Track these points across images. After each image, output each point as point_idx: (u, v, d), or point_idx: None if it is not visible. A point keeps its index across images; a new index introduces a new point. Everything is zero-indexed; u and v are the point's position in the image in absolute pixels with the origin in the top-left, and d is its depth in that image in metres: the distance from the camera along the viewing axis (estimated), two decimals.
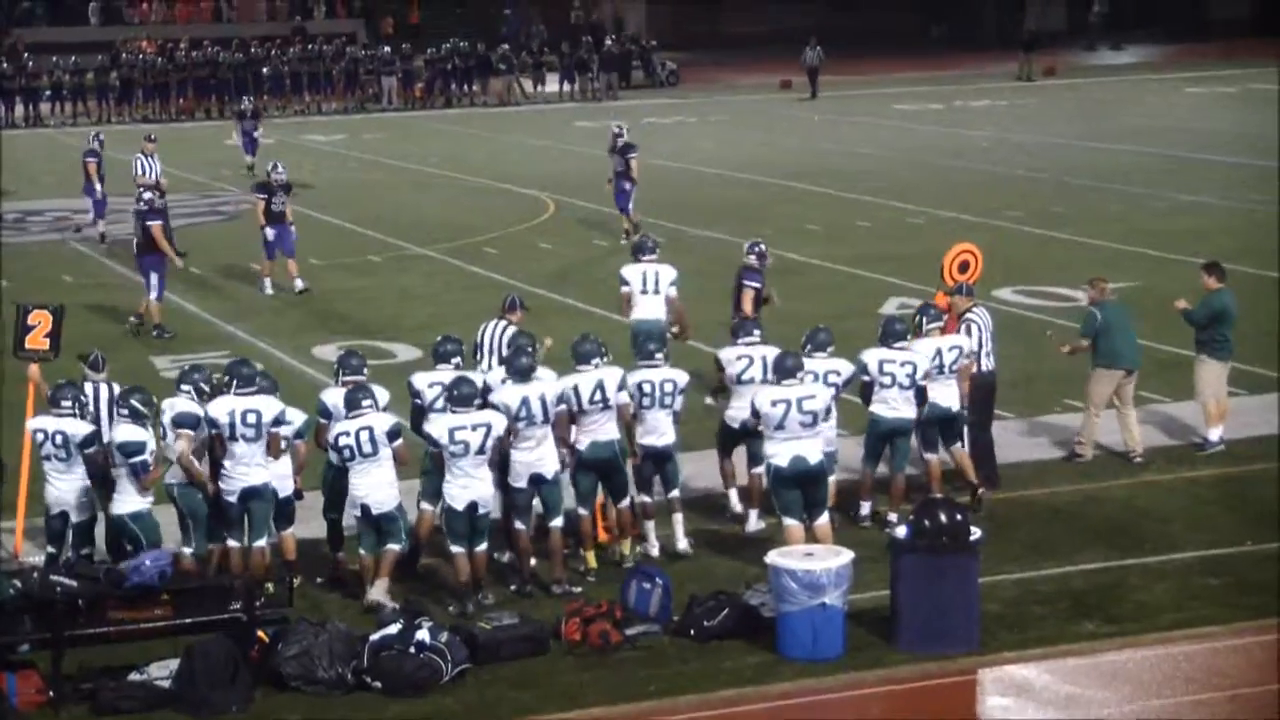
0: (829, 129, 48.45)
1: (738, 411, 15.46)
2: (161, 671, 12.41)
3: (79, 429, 14.12)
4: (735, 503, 15.88)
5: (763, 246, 19.39)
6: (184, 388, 14.25)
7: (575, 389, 14.68)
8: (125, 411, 13.82)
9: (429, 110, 57.18)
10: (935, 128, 47.66)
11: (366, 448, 13.93)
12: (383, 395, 14.34)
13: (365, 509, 14.04)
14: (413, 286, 27.32)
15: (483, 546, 14.09)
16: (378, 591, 13.98)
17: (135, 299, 26.35)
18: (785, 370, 14.42)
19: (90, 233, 31.53)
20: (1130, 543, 15.09)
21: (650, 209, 32.97)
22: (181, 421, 13.99)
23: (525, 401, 14.29)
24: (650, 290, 19.28)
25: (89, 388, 14.79)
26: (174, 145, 33.88)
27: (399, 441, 14.03)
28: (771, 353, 15.40)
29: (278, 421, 14.07)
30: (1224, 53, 66.35)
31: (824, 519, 14.42)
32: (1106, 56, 70.73)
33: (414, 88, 58.58)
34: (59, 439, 14.04)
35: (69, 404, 14.18)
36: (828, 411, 14.41)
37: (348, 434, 13.99)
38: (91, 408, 14.63)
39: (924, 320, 16.00)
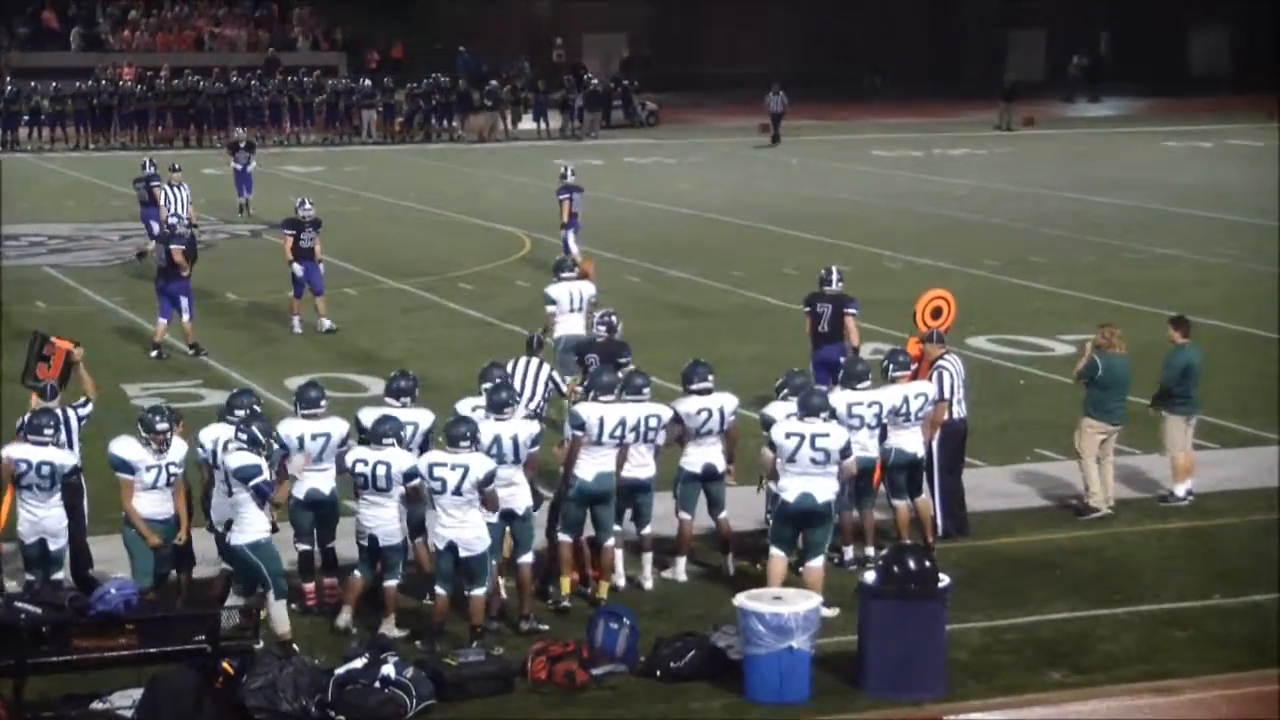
0: (807, 173, 48.57)
1: (698, 458, 15.43)
2: (124, 701, 12.33)
3: (66, 459, 14.05)
4: (681, 570, 15.52)
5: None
6: (140, 430, 14.04)
7: (601, 421, 14.74)
8: (244, 437, 13.62)
9: (408, 145, 57.24)
10: (914, 174, 47.82)
11: (381, 483, 13.90)
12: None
13: (374, 539, 14.03)
14: (388, 320, 27.30)
15: (479, 591, 13.86)
16: (388, 627, 13.98)
17: (106, 323, 26.37)
18: (810, 408, 14.40)
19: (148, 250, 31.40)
20: (1098, 593, 15.10)
21: (626, 248, 33.13)
22: (117, 465, 13.90)
23: (497, 439, 14.28)
24: (575, 308, 20.60)
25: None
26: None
27: (415, 481, 13.97)
28: (729, 401, 15.47)
29: None
30: (1202, 107, 66.71)
31: (817, 563, 14.36)
32: (1085, 108, 71.10)
33: (394, 121, 58.66)
34: (45, 469, 13.89)
35: (50, 432, 14.05)
36: (843, 451, 14.40)
37: (365, 463, 13.96)
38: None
39: (891, 367, 16.01)
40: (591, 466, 14.77)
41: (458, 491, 13.72)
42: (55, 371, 15.60)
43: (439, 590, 13.92)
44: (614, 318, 18.20)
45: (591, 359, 17.28)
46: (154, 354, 24.17)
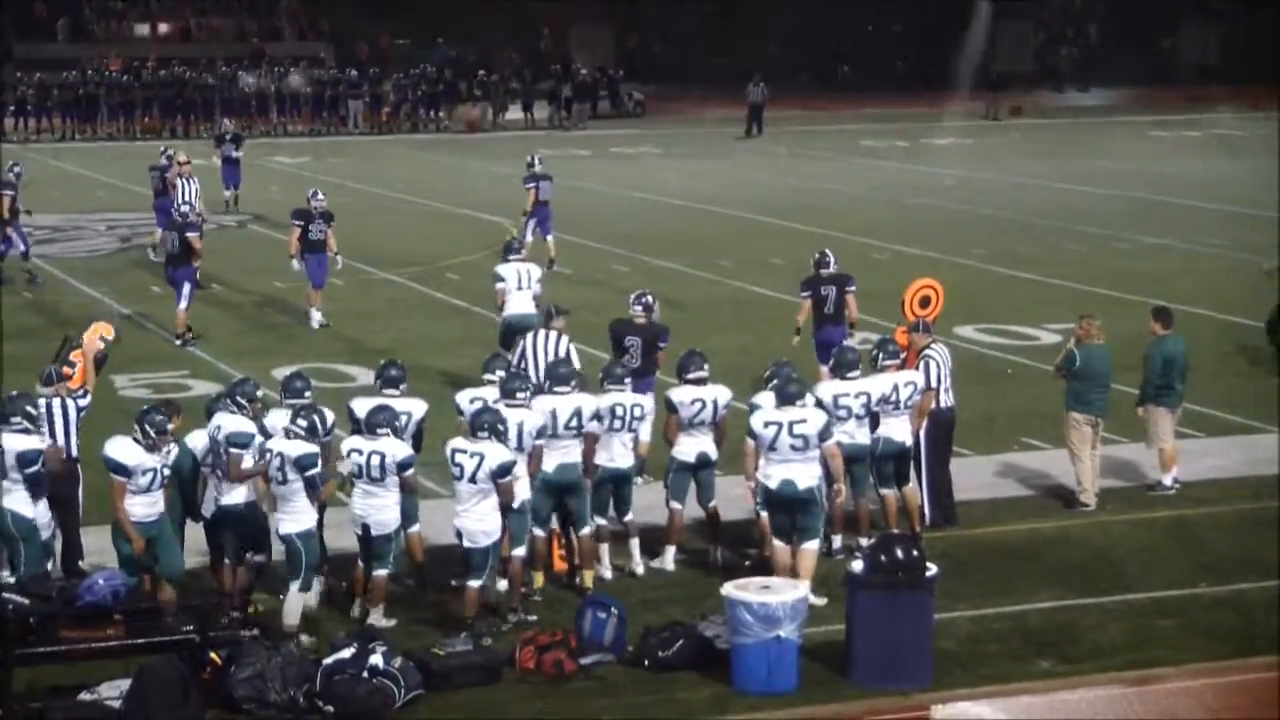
0: (794, 164, 48.55)
1: (690, 448, 15.41)
2: (112, 692, 12.31)
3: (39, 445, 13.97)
4: (670, 560, 15.47)
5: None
6: (136, 432, 13.80)
7: (553, 413, 14.70)
8: (304, 424, 13.65)
9: (395, 135, 57.16)
10: (902, 165, 47.83)
11: (375, 472, 13.86)
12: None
13: (366, 529, 14.02)
14: (374, 311, 27.28)
15: (473, 583, 13.83)
16: (376, 617, 13.98)
17: (94, 314, 26.31)
18: (787, 397, 14.43)
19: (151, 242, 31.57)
20: (1085, 582, 15.12)
21: (613, 239, 33.13)
22: (112, 468, 13.70)
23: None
24: (524, 287, 20.76)
25: (43, 403, 14.47)
26: (138, 164, 33.81)
27: (409, 471, 13.98)
28: (723, 393, 15.48)
29: (233, 443, 13.95)
30: (1190, 97, 66.70)
31: (811, 545, 14.36)
32: (1073, 98, 71.11)
33: (380, 112, 58.59)
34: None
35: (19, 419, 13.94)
36: (822, 435, 14.40)
37: (360, 452, 13.93)
38: (46, 423, 14.34)
39: (881, 356, 16.03)
40: (552, 458, 14.73)
41: (472, 479, 13.74)
42: (77, 380, 15.54)
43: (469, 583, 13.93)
44: (650, 297, 17.98)
45: (633, 341, 17.28)
46: (182, 334, 24.40)
